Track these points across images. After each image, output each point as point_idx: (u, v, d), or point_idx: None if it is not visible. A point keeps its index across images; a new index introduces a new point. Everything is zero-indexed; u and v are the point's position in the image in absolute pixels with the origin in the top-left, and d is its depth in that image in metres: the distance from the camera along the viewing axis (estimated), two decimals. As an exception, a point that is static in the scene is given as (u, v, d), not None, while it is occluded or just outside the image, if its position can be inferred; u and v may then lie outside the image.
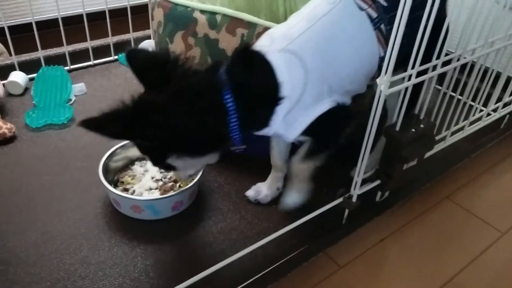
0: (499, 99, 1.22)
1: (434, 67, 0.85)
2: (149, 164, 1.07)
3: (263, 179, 1.05)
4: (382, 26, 0.81)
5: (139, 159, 1.08)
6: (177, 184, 1.02)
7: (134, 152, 1.07)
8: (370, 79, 0.87)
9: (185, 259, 0.89)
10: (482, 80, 1.09)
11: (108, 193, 0.97)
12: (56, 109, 1.26)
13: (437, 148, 1.05)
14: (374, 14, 0.81)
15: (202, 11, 1.07)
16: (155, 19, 1.19)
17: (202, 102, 0.73)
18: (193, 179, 0.98)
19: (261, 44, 0.79)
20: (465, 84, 1.04)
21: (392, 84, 0.76)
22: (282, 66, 0.75)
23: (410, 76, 0.80)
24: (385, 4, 0.82)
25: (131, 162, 1.07)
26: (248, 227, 0.95)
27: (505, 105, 1.26)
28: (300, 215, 0.91)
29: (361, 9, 0.80)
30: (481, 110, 1.18)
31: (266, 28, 1.02)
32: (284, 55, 0.75)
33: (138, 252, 0.89)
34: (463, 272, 0.95)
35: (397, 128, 0.85)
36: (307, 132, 0.80)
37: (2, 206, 0.97)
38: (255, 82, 0.75)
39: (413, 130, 0.86)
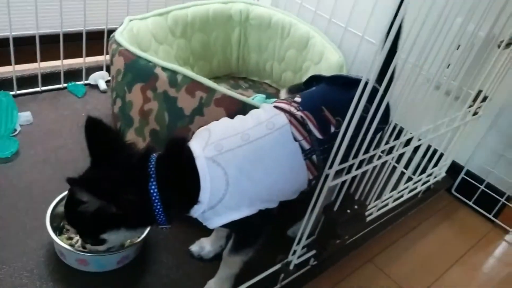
0: (423, 170, 1.38)
1: (371, 158, 0.96)
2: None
3: (208, 232, 1.10)
4: (314, 157, 0.90)
5: (85, 205, 1.09)
6: (124, 236, 1.05)
7: (81, 197, 1.08)
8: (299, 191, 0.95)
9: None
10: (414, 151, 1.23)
11: (54, 244, 0.98)
12: (0, 141, 1.23)
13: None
14: (306, 146, 0.89)
15: (164, 68, 1.11)
16: (114, 65, 1.21)
17: (132, 188, 0.82)
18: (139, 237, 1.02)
19: (196, 144, 0.85)
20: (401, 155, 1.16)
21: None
22: (206, 174, 0.82)
23: (351, 167, 0.90)
24: (320, 137, 0.90)
25: (77, 208, 1.08)
26: (191, 284, 1.00)
27: (428, 175, 1.42)
28: (240, 273, 0.97)
29: (296, 140, 0.88)
30: (410, 178, 1.33)
31: (224, 95, 1.09)
32: (211, 164, 0.82)
33: (80, 306, 0.91)
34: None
35: (335, 209, 0.94)
36: (228, 226, 0.88)
37: None
38: (178, 182, 0.83)
39: (348, 211, 0.96)
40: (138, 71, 1.15)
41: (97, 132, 0.83)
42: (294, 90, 1.11)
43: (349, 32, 1.69)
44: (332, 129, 0.91)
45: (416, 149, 1.20)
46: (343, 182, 0.91)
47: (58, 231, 1.01)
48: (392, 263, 1.27)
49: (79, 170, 1.10)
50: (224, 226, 0.89)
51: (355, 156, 0.87)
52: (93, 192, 0.77)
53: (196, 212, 0.85)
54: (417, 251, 1.35)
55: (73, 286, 0.94)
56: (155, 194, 0.81)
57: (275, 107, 0.94)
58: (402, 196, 1.32)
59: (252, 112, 0.95)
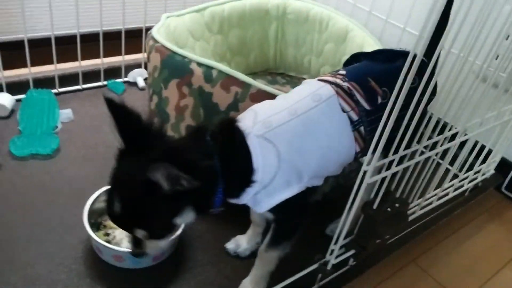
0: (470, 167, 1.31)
1: (413, 154, 0.91)
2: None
3: (244, 229, 1.09)
4: (362, 128, 0.87)
5: (123, 201, 1.10)
6: (159, 232, 1.04)
7: (119, 193, 1.09)
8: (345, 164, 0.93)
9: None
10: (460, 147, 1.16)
11: (90, 237, 0.99)
12: (42, 137, 1.26)
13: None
14: (355, 117, 0.86)
15: (199, 64, 1.10)
16: (151, 62, 1.21)
17: (210, 161, 0.78)
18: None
19: (244, 123, 0.83)
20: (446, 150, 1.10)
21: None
22: (258, 152, 0.79)
23: (391, 163, 0.85)
24: (368, 108, 0.87)
25: (115, 203, 1.09)
26: (226, 282, 0.99)
27: (475, 173, 1.35)
28: (277, 273, 0.95)
29: (344, 111, 0.86)
30: (456, 176, 1.26)
31: (259, 90, 1.07)
32: (262, 142, 0.80)
33: (116, 302, 0.91)
34: None
35: (374, 207, 0.90)
36: (274, 210, 0.85)
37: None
38: (234, 160, 0.80)
39: (388, 209, 0.91)
40: (174, 67, 1.14)
41: (122, 115, 0.79)
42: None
43: (389, 24, 1.63)
44: (379, 100, 0.89)
45: (462, 144, 1.14)
46: (383, 179, 0.86)
47: (96, 227, 1.03)
48: (436, 265, 1.21)
49: None
50: (271, 210, 0.85)
51: (396, 152, 0.83)
52: (183, 169, 0.68)
53: (248, 194, 0.82)
54: (463, 252, 1.28)
55: (109, 282, 0.95)
56: (218, 168, 0.78)
57: (319, 80, 0.92)
58: (447, 194, 1.26)
59: (295, 89, 0.94)
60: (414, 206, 1.13)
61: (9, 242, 0.98)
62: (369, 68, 0.96)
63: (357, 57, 1.05)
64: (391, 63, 0.93)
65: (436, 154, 1.02)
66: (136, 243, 0.84)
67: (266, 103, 0.91)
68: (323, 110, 0.85)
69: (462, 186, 1.31)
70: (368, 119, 0.87)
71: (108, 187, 0.81)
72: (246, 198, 0.83)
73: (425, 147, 0.94)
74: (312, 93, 0.87)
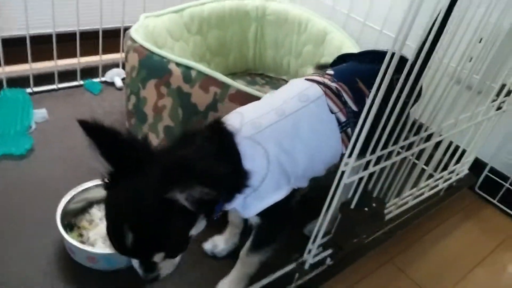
0: (445, 167, 1.33)
1: (389, 154, 0.92)
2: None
3: (220, 228, 1.08)
4: (349, 130, 0.88)
5: (98, 202, 1.08)
6: (136, 233, 1.03)
7: (94, 194, 1.07)
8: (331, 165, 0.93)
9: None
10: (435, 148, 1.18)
11: (63, 239, 0.97)
12: (15, 137, 1.23)
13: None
14: (342, 118, 0.87)
15: (178, 64, 1.10)
16: (129, 62, 1.20)
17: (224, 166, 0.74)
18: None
19: (231, 124, 0.81)
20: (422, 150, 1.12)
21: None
22: (248, 154, 0.78)
23: (368, 163, 0.86)
24: (355, 109, 0.88)
25: (89, 205, 1.07)
26: (203, 283, 0.98)
27: (450, 173, 1.37)
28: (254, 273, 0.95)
29: (332, 112, 0.86)
30: (431, 176, 1.28)
31: (238, 91, 1.07)
32: (251, 143, 0.79)
33: (91, 304, 0.90)
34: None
35: (352, 206, 0.91)
36: (260, 214, 0.83)
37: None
38: (228, 164, 0.77)
39: (366, 209, 0.92)
40: (152, 67, 1.13)
41: (102, 137, 0.71)
42: (322, 67, 1.09)
43: (367, 27, 1.65)
44: (366, 99, 0.86)
45: (437, 145, 1.16)
46: (360, 179, 0.87)
47: (69, 228, 1.01)
48: (413, 264, 1.23)
49: (93, 169, 1.11)
50: (258, 214, 0.83)
51: (373, 152, 0.84)
52: (200, 182, 0.64)
53: (239, 198, 0.79)
54: (439, 251, 1.30)
55: (82, 284, 0.93)
56: None
57: (307, 79, 0.91)
58: (422, 194, 1.28)
59: (281, 88, 0.93)
60: (391, 206, 1.14)
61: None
62: (357, 69, 0.97)
63: (343, 58, 1.06)
64: (378, 64, 0.92)
65: (412, 154, 1.04)
66: (148, 267, 0.77)
67: (252, 104, 0.90)
68: (311, 111, 0.84)
69: (437, 185, 1.33)
70: (355, 120, 0.87)
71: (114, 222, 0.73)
72: (237, 202, 0.81)
73: (402, 148, 0.95)
74: (299, 93, 0.86)
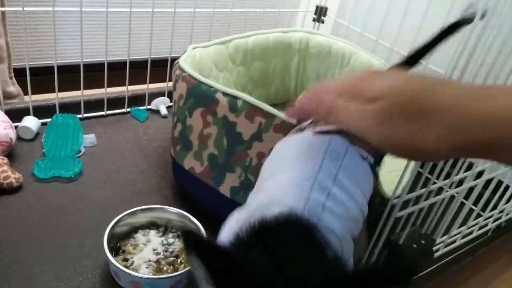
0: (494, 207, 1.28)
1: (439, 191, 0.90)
2: (151, 235, 1.08)
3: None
4: (377, 168, 0.79)
5: (142, 227, 1.10)
6: (178, 260, 1.03)
7: (139, 219, 1.09)
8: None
9: None
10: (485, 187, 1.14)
11: (108, 262, 0.98)
12: (65, 161, 1.28)
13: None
14: (371, 160, 0.75)
15: (225, 94, 1.12)
16: (177, 90, 1.23)
17: None
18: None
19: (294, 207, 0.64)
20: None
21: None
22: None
23: (418, 198, 0.84)
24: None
25: (134, 229, 1.09)
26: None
27: (500, 212, 1.32)
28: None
29: (363, 158, 0.73)
30: (479, 215, 1.24)
31: (283, 121, 1.07)
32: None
33: (132, 330, 0.90)
34: None
35: (401, 242, 0.88)
36: None
37: (1, 261, 0.98)
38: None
39: (414, 245, 0.90)
40: (199, 96, 1.16)
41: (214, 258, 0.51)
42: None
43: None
44: None
45: (487, 184, 1.12)
46: (410, 214, 0.85)
47: (115, 252, 1.02)
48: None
49: (137, 192, 1.13)
50: None
51: (424, 186, 0.82)
52: None
53: None
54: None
55: (126, 308, 0.94)
56: None
57: (318, 133, 0.75)
58: (471, 233, 1.23)
59: (291, 152, 0.75)
60: (439, 244, 1.10)
61: (28, 264, 0.98)
62: None
63: None
64: None
65: (459, 192, 1.01)
66: None
67: (277, 186, 0.70)
68: (347, 167, 0.70)
69: (486, 225, 1.28)
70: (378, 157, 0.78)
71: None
72: None
73: (451, 185, 0.93)
74: (326, 152, 0.70)
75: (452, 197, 1.01)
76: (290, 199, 0.65)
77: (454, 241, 1.16)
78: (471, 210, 1.14)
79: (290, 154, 0.74)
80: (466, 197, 1.06)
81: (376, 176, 0.80)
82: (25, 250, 1.01)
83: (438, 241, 1.11)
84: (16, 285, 0.93)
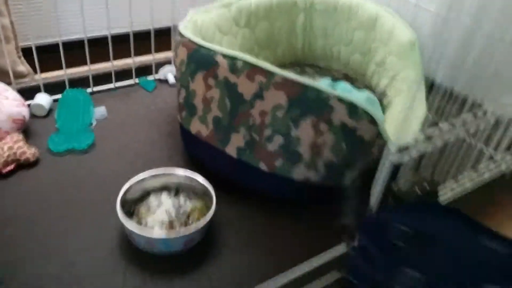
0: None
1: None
2: (163, 197, 1.12)
3: (271, 216, 1.10)
4: None
5: (154, 191, 1.13)
6: (190, 219, 1.07)
7: (150, 184, 1.13)
8: None
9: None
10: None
11: (124, 227, 1.02)
12: (78, 134, 1.32)
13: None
14: None
15: (224, 56, 1.12)
16: (178, 56, 1.24)
17: None
18: (204, 215, 1.03)
19: None
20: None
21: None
22: None
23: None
24: None
25: (147, 194, 1.13)
26: (254, 267, 1.00)
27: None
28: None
29: None
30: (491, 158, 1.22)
31: (284, 78, 1.07)
32: None
33: (148, 284, 0.95)
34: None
35: (402, 187, 0.89)
36: None
37: (21, 233, 1.03)
38: None
39: (417, 190, 0.90)
40: (200, 60, 1.16)
41: None
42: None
43: (420, 9, 1.59)
44: None
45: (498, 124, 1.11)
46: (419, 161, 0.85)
47: (129, 216, 1.06)
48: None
49: (149, 160, 1.13)
50: None
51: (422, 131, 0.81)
52: None
53: None
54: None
55: (142, 266, 0.98)
56: None
57: None
58: (481, 175, 1.21)
59: None
60: (446, 189, 1.10)
61: (46, 235, 1.03)
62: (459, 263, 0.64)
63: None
64: None
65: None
66: None
67: None
68: None
69: (499, 166, 1.25)
70: None
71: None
72: None
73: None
74: None
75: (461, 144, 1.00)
76: None
77: (462, 185, 1.15)
78: (481, 155, 1.13)
79: None
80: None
81: None
82: (43, 222, 1.06)
83: (446, 186, 1.10)
84: (35, 257, 0.98)
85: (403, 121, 0.86)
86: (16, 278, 0.93)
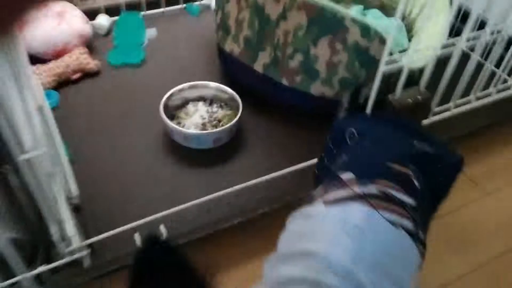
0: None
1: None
2: (199, 105, 1.32)
3: (290, 126, 1.28)
4: (421, 235, 0.62)
5: (193, 100, 1.34)
6: (220, 123, 1.27)
7: (189, 94, 1.33)
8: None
9: (217, 183, 1.16)
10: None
11: (166, 125, 1.24)
12: (132, 51, 1.53)
13: (442, 116, 1.21)
14: (409, 225, 0.60)
15: (254, -20, 1.26)
16: (215, -19, 1.40)
17: None
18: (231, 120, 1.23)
19: None
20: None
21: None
22: None
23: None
24: (413, 203, 0.63)
25: (186, 101, 1.33)
26: (273, 166, 1.19)
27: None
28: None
29: (393, 223, 0.58)
30: (505, 80, 1.30)
31: (304, 1, 1.20)
32: None
33: (183, 172, 1.18)
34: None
35: (396, 97, 1.03)
36: None
37: (88, 125, 1.28)
38: None
39: (409, 100, 1.03)
40: (234, -16, 1.31)
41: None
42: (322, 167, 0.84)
43: None
44: (416, 183, 0.65)
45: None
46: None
47: (170, 118, 1.27)
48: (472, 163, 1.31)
49: (191, 74, 1.31)
50: None
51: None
52: None
53: None
54: (503, 153, 1.35)
55: (178, 157, 1.22)
56: None
57: (326, 203, 0.62)
58: (489, 95, 1.28)
59: (308, 228, 0.61)
60: (449, 105, 1.21)
61: (106, 127, 1.28)
62: (380, 150, 0.70)
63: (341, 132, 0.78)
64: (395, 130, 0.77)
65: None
66: None
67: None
68: (374, 244, 0.57)
69: (508, 88, 1.32)
70: (420, 218, 0.63)
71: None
72: None
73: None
74: (344, 228, 0.57)
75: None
76: None
77: (468, 102, 1.24)
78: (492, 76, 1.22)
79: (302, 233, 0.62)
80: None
81: (423, 246, 0.62)
82: (105, 119, 1.31)
83: (450, 104, 1.22)
84: (100, 150, 1.22)
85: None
86: (83, 157, 1.19)
